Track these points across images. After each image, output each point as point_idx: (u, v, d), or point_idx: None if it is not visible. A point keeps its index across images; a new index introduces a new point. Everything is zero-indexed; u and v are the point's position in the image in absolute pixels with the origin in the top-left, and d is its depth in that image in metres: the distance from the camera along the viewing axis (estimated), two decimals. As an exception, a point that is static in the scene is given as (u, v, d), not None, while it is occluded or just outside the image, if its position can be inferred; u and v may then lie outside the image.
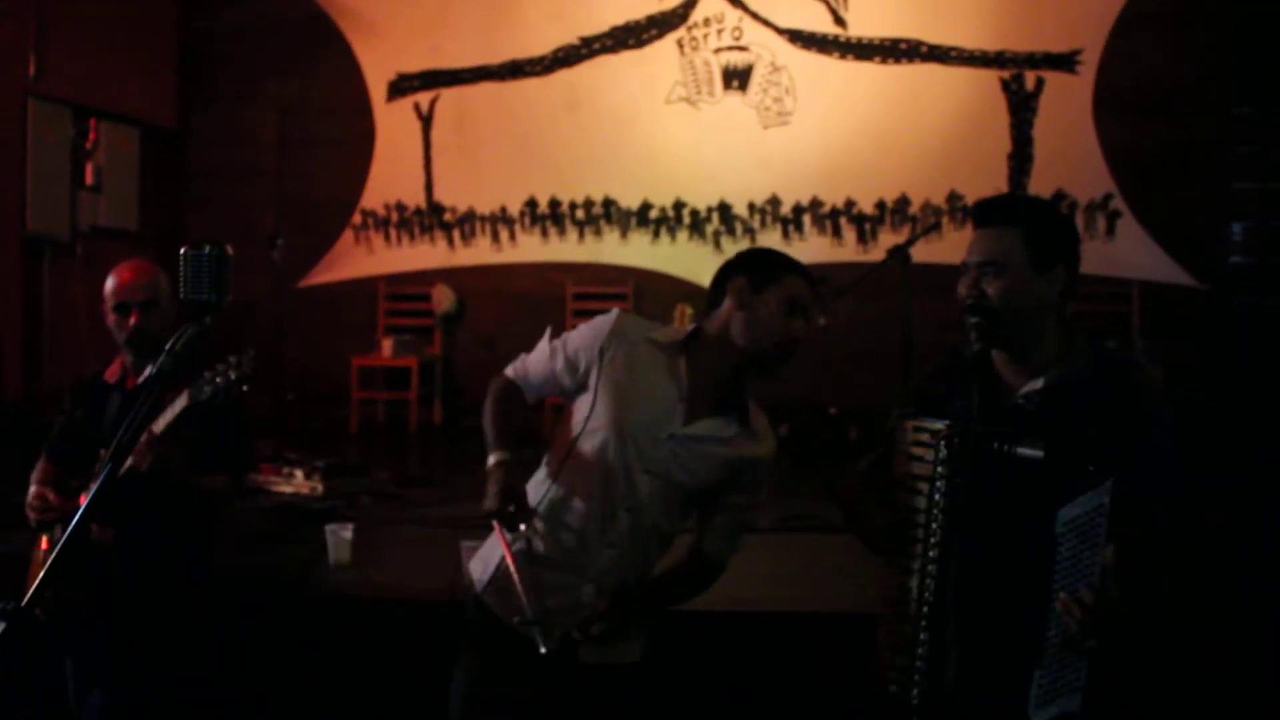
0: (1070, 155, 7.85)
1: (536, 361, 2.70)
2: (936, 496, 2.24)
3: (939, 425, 2.25)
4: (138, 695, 3.16)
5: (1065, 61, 7.84)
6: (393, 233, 9.06)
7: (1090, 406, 2.22)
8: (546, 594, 2.48)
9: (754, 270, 2.62)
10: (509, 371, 2.74)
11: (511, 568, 2.46)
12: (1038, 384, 2.28)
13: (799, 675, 3.59)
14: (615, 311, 2.69)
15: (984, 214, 2.38)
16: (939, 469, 2.24)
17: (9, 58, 7.66)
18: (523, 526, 2.46)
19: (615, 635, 2.52)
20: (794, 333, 2.57)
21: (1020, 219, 2.32)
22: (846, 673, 2.39)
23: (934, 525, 2.24)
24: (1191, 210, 7.64)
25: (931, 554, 2.24)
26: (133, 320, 3.22)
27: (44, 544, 3.26)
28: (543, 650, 2.38)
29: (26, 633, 1.77)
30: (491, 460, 2.51)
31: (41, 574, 1.86)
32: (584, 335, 2.65)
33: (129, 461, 2.84)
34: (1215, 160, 7.61)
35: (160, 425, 2.97)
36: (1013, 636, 2.20)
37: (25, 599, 1.80)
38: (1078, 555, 2.15)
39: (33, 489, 3.28)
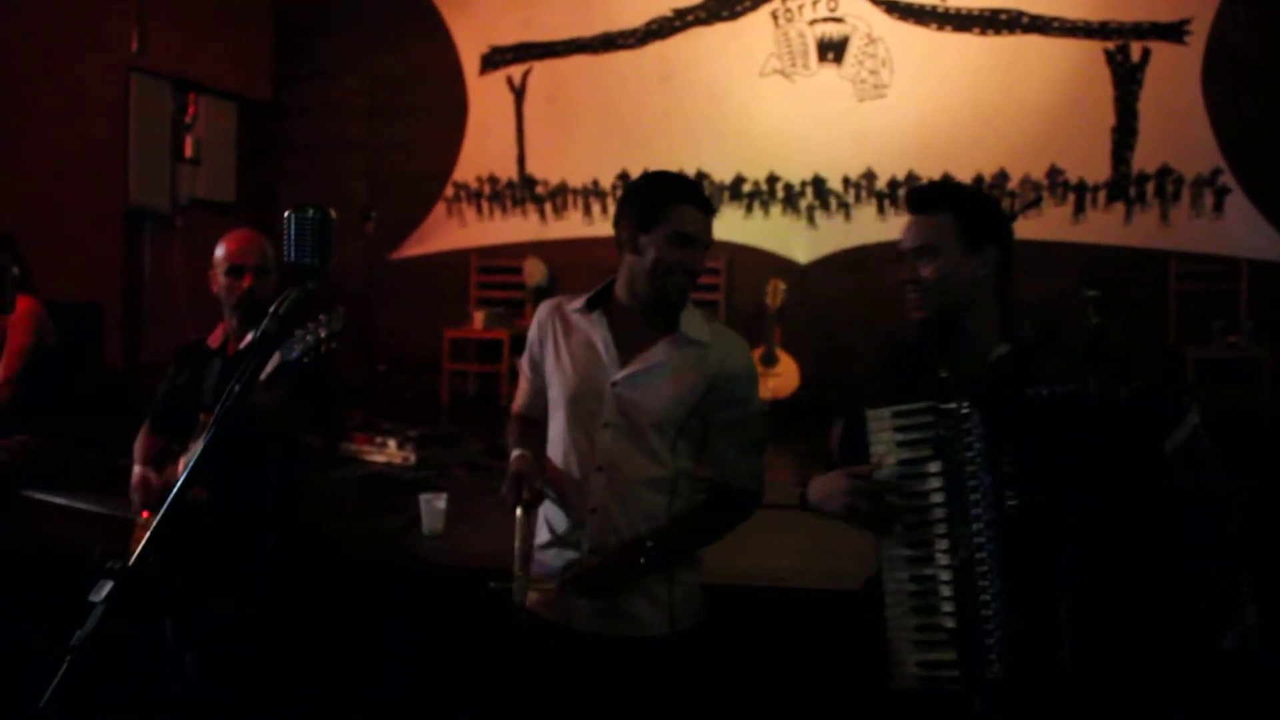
0: (1177, 129, 7.62)
1: (522, 385, 2.88)
2: (970, 470, 2.16)
3: (921, 405, 2.23)
4: (231, 655, 3.19)
5: (1173, 32, 7.60)
6: (485, 205, 9.09)
7: (1054, 362, 2.30)
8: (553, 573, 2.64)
9: (639, 210, 2.63)
10: (513, 407, 2.92)
11: (516, 541, 2.61)
12: (1004, 349, 2.35)
13: (830, 653, 3.49)
14: (543, 303, 2.81)
15: (916, 201, 2.45)
16: (970, 439, 2.16)
17: (113, 34, 7.79)
18: (519, 511, 2.63)
19: (605, 587, 2.57)
20: (688, 264, 2.59)
21: (950, 204, 2.40)
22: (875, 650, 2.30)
23: (970, 499, 2.16)
24: (1304, 187, 7.37)
25: (977, 532, 2.15)
26: (246, 282, 3.28)
27: (144, 512, 3.29)
28: (515, 602, 2.57)
29: (133, 591, 1.78)
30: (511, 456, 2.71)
31: (146, 536, 1.86)
32: (529, 340, 2.80)
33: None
34: (1329, 135, 7.33)
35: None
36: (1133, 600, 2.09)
37: (132, 560, 1.81)
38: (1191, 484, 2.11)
39: (136, 470, 3.32)
